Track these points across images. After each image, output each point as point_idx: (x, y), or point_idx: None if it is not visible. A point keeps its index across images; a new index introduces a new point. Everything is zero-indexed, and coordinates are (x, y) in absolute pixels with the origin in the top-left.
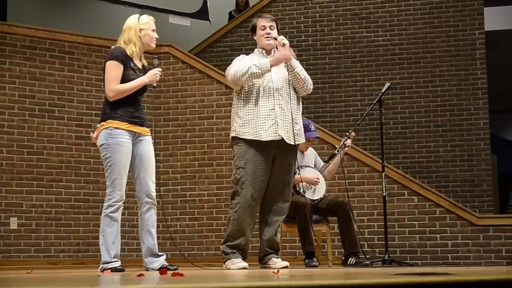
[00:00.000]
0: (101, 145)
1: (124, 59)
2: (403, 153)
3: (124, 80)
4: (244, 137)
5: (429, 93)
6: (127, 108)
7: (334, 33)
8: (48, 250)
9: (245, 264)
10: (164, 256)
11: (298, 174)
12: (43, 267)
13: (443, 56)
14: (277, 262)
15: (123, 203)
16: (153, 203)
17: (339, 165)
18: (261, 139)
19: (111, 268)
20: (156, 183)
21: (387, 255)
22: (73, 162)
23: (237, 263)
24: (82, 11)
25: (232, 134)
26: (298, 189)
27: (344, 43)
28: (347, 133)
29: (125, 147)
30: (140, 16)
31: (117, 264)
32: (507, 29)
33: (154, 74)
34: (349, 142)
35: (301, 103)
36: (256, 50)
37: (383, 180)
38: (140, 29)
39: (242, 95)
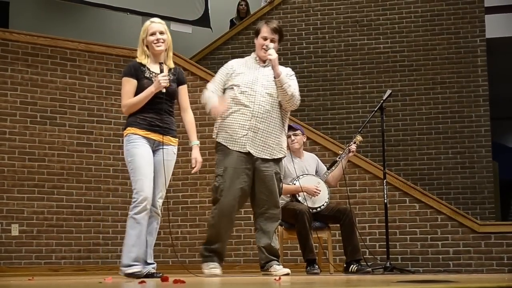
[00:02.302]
0: (123, 152)
1: (135, 72)
2: (405, 160)
3: (141, 90)
4: (218, 140)
5: (430, 100)
6: (146, 116)
7: (335, 40)
8: (49, 257)
9: (218, 271)
10: (154, 265)
11: (297, 181)
12: (44, 274)
13: (444, 63)
14: (278, 269)
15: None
16: (155, 212)
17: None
18: (228, 147)
19: (131, 273)
20: None
21: (388, 262)
22: (74, 169)
23: (210, 268)
24: (84, 18)
25: (213, 135)
26: (298, 197)
27: (345, 50)
28: (353, 138)
29: (143, 150)
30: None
31: (137, 268)
32: (508, 37)
33: (157, 82)
34: (354, 147)
35: (286, 118)
36: (253, 54)
37: (385, 187)
38: (142, 39)
39: (226, 99)
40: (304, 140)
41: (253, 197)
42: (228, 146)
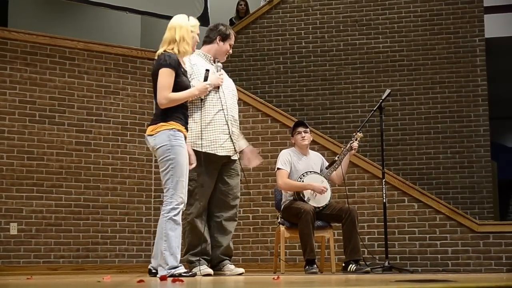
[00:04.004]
0: (161, 146)
1: (177, 65)
2: (403, 160)
3: (179, 86)
4: (199, 149)
5: (429, 100)
6: (184, 112)
7: (334, 39)
8: (48, 255)
9: (210, 270)
10: None
11: (302, 180)
12: (43, 273)
13: (443, 63)
14: (232, 268)
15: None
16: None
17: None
18: (216, 153)
19: (179, 274)
20: (156, 188)
21: (387, 262)
22: (73, 168)
23: (202, 269)
24: (83, 17)
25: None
26: (302, 196)
27: (344, 50)
28: (354, 134)
29: (185, 150)
30: (188, 17)
31: (183, 269)
32: (507, 36)
33: (205, 88)
34: (355, 144)
35: None
36: (201, 53)
37: (383, 186)
38: (188, 31)
39: (197, 108)
40: (311, 139)
41: (214, 195)
42: (217, 153)
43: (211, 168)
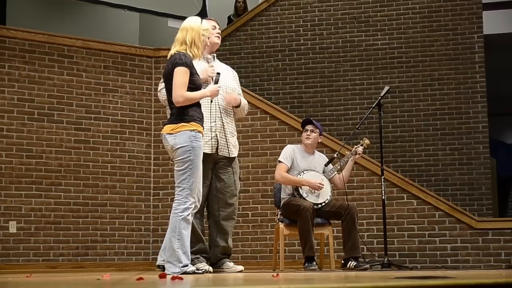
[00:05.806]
0: (182, 147)
1: (191, 65)
2: (402, 157)
3: (195, 85)
4: None
5: (428, 97)
6: (201, 112)
7: (333, 36)
8: (47, 253)
9: (210, 268)
10: None
11: (301, 176)
12: (42, 271)
13: (442, 60)
14: (231, 266)
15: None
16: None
17: (340, 171)
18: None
19: (192, 271)
20: (155, 186)
21: (386, 259)
22: (72, 166)
23: (201, 267)
24: (81, 15)
25: None
26: (300, 192)
27: (343, 47)
28: (361, 141)
29: (202, 151)
30: (201, 20)
31: (193, 267)
32: (505, 33)
33: (216, 91)
34: (360, 149)
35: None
36: None
37: (382, 183)
38: (201, 33)
39: None
40: (319, 140)
41: (211, 194)
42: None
43: (203, 164)
